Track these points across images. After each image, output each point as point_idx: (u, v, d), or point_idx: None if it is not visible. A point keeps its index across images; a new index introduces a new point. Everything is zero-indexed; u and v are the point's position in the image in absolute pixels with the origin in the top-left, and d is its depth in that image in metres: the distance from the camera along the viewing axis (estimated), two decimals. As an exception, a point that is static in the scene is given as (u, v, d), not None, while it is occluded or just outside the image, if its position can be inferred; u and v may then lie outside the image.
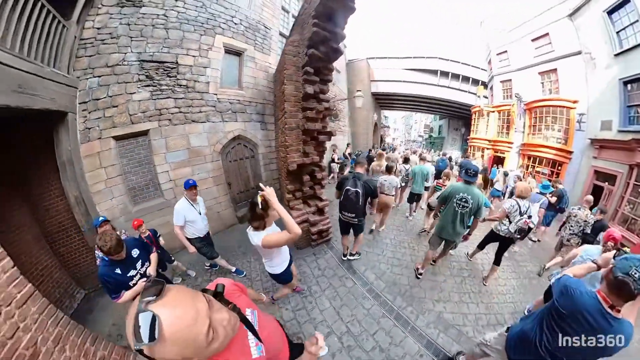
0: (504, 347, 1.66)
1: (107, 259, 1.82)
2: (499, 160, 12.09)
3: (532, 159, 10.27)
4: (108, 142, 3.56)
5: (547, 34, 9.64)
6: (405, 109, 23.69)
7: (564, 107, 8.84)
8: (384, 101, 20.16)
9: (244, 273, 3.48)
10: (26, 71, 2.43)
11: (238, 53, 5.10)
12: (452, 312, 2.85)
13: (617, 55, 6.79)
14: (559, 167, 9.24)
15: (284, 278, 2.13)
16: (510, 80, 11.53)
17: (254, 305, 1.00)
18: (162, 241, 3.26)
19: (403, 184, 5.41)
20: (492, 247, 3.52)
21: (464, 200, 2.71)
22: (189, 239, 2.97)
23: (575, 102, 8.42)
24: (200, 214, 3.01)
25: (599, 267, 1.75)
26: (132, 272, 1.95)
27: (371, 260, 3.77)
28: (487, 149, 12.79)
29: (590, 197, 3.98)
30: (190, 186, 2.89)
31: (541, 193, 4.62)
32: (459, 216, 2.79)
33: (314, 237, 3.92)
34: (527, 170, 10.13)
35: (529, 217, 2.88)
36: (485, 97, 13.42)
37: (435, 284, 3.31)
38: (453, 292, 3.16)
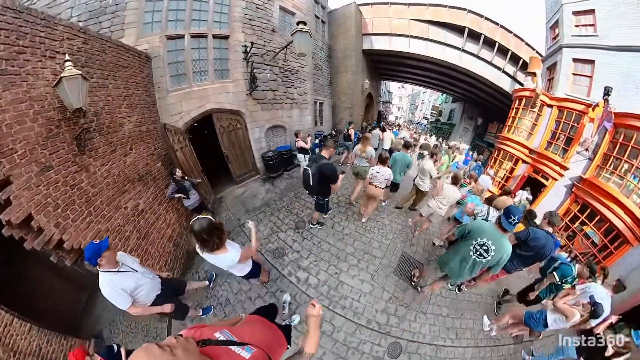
0: None
1: None
2: (533, 185, 7.78)
3: (586, 210, 6.10)
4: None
5: None
6: (413, 81, 18.03)
7: None
8: (384, 66, 14.68)
9: (211, 309, 3.28)
10: None
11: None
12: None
13: None
14: (618, 248, 5.30)
15: (254, 272, 2.38)
16: (593, 62, 6.58)
17: (220, 328, 1.13)
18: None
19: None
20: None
21: (484, 247, 2.24)
22: (153, 304, 2.25)
23: None
24: (137, 271, 2.13)
25: None
26: None
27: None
28: (524, 161, 8.08)
29: None
30: (104, 249, 1.85)
31: None
32: (471, 262, 2.35)
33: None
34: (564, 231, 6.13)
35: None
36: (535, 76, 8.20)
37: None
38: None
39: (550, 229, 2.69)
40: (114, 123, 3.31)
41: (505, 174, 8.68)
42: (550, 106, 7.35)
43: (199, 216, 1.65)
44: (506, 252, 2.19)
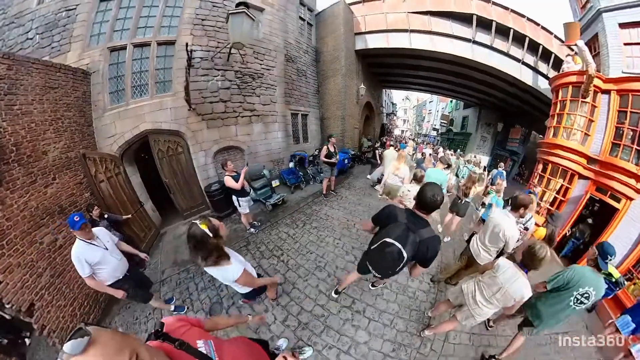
0: None
1: None
2: (596, 209, 5.50)
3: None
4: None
5: None
6: (418, 86, 16.41)
7: None
8: (384, 71, 13.32)
9: (185, 309, 3.03)
10: None
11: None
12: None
13: None
14: None
15: (254, 294, 2.16)
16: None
17: (208, 336, 0.99)
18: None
19: None
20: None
21: (586, 296, 1.97)
22: (111, 285, 2.32)
23: None
24: (107, 249, 2.27)
25: None
26: None
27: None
28: (582, 176, 5.50)
29: None
30: (79, 225, 2.07)
31: None
32: (568, 311, 2.06)
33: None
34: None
35: (526, 228, 2.93)
36: (574, 52, 5.68)
37: None
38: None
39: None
40: (36, 151, 3.11)
41: (556, 198, 5.87)
42: (607, 92, 5.24)
43: (198, 222, 1.39)
44: (603, 291, 2.00)
